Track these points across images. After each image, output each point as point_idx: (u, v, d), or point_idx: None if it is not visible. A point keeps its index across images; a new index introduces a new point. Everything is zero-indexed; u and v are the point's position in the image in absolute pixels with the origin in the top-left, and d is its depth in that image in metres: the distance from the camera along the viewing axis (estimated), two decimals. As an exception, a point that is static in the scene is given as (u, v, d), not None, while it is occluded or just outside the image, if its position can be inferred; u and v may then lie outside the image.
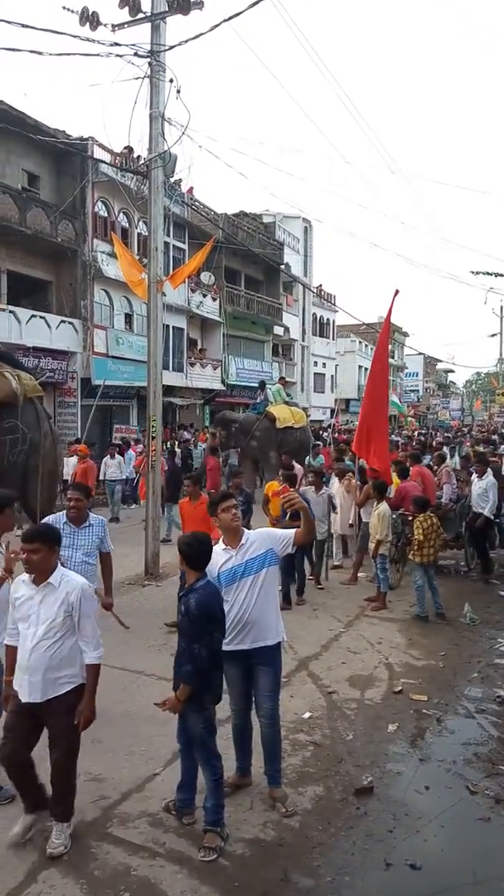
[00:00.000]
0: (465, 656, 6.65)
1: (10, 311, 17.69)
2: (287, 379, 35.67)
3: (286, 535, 4.10)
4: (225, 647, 3.95)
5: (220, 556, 4.06)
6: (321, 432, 24.53)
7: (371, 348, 51.04)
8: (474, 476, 9.68)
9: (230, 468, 15.92)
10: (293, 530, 4.12)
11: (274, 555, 4.06)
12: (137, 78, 9.33)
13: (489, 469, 9.50)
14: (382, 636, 7.16)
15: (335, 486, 9.94)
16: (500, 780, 4.39)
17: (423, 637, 7.17)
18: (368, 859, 3.60)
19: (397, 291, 9.66)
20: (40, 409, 8.32)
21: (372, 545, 8.22)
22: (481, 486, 9.27)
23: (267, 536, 4.16)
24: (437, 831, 3.85)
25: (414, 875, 3.50)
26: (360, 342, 49.69)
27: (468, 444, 20.65)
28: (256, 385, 19.87)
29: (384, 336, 9.90)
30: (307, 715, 5.24)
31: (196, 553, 3.81)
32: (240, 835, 3.76)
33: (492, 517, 9.30)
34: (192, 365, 26.72)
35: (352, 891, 3.36)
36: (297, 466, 11.24)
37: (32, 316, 18.46)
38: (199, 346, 28.55)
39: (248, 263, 31.27)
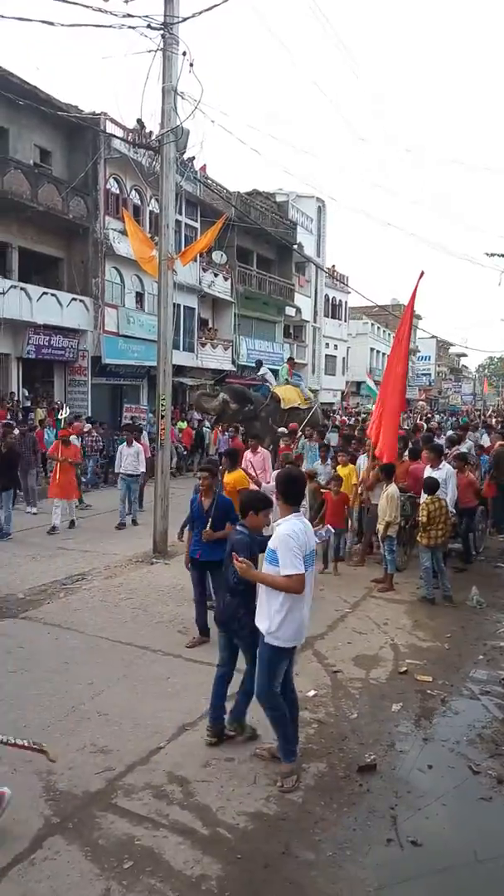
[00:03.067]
0: (471, 639, 6.65)
1: (22, 289, 17.67)
2: (297, 360, 35.57)
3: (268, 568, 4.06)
4: None
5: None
6: (331, 414, 24.41)
7: (384, 330, 50.70)
8: (427, 468, 8.62)
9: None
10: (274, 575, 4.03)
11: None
12: (150, 51, 9.20)
13: (443, 459, 8.71)
14: (389, 617, 7.17)
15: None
16: (503, 760, 4.41)
17: (429, 619, 7.17)
18: (370, 835, 3.62)
19: (422, 273, 9.17)
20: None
21: (380, 527, 8.20)
22: (440, 477, 8.21)
23: (275, 540, 4.04)
24: (440, 810, 3.87)
25: (415, 852, 3.52)
26: (372, 324, 49.31)
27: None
28: (259, 364, 19.31)
29: (407, 318, 9.51)
30: (312, 693, 5.27)
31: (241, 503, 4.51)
32: (243, 808, 3.80)
33: (453, 510, 8.41)
34: (202, 345, 26.65)
35: (353, 865, 3.39)
36: (263, 451, 10.17)
37: (44, 293, 18.46)
38: (210, 326, 28.43)
39: (261, 243, 31.03)
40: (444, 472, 8.42)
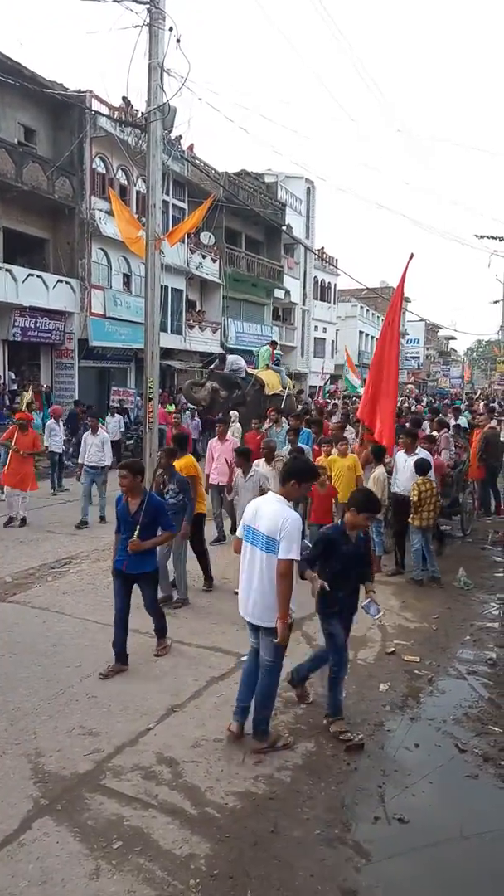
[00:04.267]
0: (457, 619, 6.70)
1: (7, 270, 17.43)
2: (286, 343, 35.26)
3: None
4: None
5: None
6: (312, 397, 24.10)
7: (373, 313, 50.55)
8: (401, 453, 8.24)
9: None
10: None
11: None
12: (136, 26, 9.04)
13: (418, 445, 8.25)
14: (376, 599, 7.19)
15: (262, 467, 7.92)
16: (489, 739, 4.46)
17: (416, 600, 7.21)
18: (357, 813, 3.66)
19: (412, 255, 9.08)
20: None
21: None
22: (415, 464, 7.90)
23: None
24: (426, 787, 3.91)
25: (402, 829, 3.56)
26: (361, 307, 49.16)
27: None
28: (223, 357, 18.13)
29: (396, 301, 9.49)
30: (300, 674, 5.29)
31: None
32: (231, 788, 3.82)
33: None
34: (190, 327, 26.47)
35: (341, 843, 3.42)
36: (232, 439, 9.69)
37: (29, 275, 18.22)
38: (198, 309, 28.23)
39: (249, 224, 30.78)
40: (421, 457, 8.04)
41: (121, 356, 22.50)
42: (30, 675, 5.15)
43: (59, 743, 4.22)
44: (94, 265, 20.72)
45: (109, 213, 18.81)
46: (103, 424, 12.01)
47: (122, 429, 16.78)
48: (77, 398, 19.13)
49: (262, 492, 6.75)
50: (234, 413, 12.19)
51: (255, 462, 7.90)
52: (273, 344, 17.75)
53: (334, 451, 8.49)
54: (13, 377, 18.73)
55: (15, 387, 18.17)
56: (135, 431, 17.26)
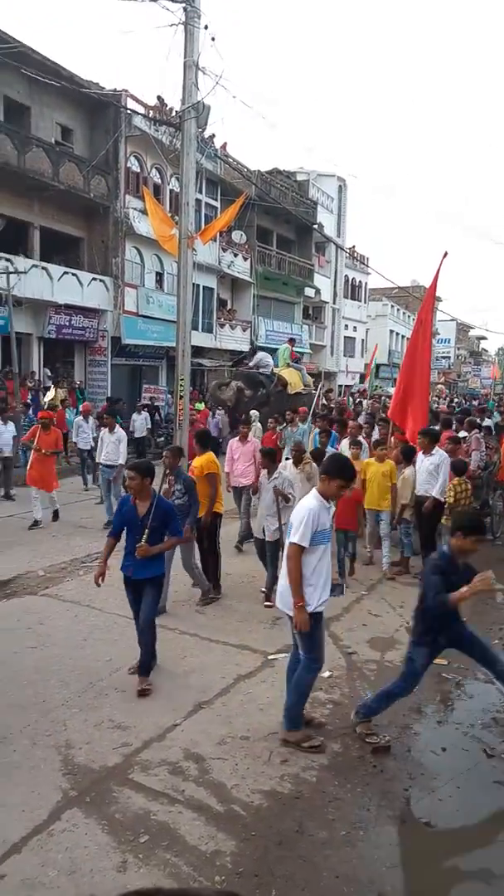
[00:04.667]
0: (486, 623, 6.61)
1: (43, 268, 17.68)
2: (315, 342, 35.10)
3: None
4: (319, 608, 4.28)
5: (325, 513, 4.24)
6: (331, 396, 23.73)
7: (404, 312, 50.07)
8: (420, 454, 8.12)
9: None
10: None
11: None
12: (172, 25, 9.10)
13: (436, 446, 8.07)
14: (404, 600, 7.15)
15: (289, 469, 7.55)
16: (518, 745, 4.40)
17: (445, 603, 7.13)
18: (383, 815, 3.65)
19: (446, 254, 9.04)
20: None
21: (396, 510, 8.15)
22: (432, 463, 7.85)
23: None
24: (453, 792, 3.88)
25: (428, 833, 3.54)
26: (392, 306, 48.74)
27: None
28: (253, 351, 17.63)
29: (429, 300, 9.41)
30: (327, 674, 5.28)
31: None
32: (257, 786, 3.84)
33: (442, 499, 7.86)
34: (221, 326, 26.51)
35: (366, 844, 3.41)
36: (254, 440, 9.41)
37: (64, 273, 18.45)
38: (229, 307, 28.27)
39: (281, 222, 30.72)
40: (437, 457, 7.94)
41: (153, 354, 22.66)
42: (61, 667, 5.24)
43: (88, 735, 4.29)
44: (127, 263, 20.89)
45: (143, 211, 18.94)
46: (119, 423, 11.95)
47: (149, 426, 16.87)
48: (109, 395, 19.33)
49: (278, 493, 6.75)
50: (254, 412, 11.97)
51: (282, 464, 7.68)
52: (292, 341, 17.40)
53: (368, 454, 8.45)
54: (48, 374, 18.99)
55: (49, 384, 18.42)
56: (165, 429, 17.38)
